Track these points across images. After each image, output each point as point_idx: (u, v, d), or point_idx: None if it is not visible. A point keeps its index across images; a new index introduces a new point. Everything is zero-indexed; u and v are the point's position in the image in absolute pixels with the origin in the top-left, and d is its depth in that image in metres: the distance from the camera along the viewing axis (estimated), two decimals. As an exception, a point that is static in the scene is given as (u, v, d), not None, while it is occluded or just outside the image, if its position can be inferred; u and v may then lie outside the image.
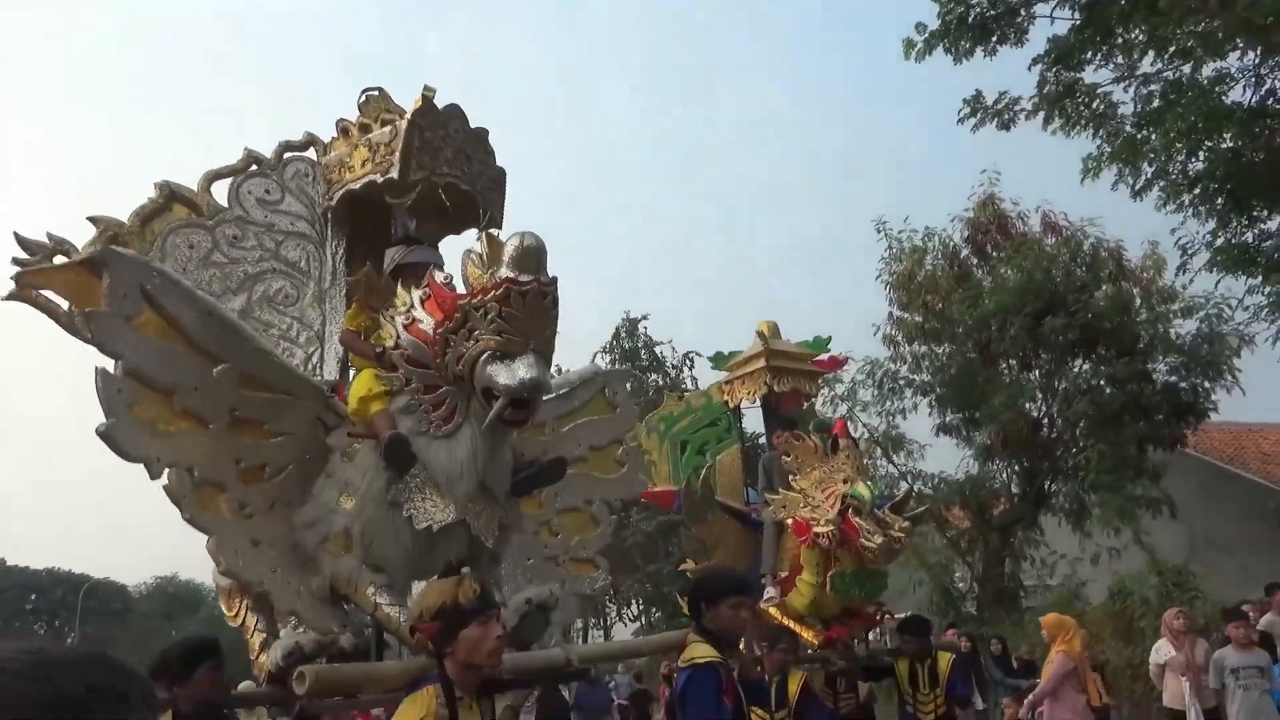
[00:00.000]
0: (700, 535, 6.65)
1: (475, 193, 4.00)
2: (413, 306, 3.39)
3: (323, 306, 4.06)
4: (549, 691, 12.61)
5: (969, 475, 15.76)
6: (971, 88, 12.27)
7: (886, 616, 6.64)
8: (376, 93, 4.08)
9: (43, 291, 3.49)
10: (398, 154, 3.76)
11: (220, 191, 4.05)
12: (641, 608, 26.13)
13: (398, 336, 3.43)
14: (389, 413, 3.41)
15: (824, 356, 7.59)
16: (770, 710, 5.70)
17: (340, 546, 3.37)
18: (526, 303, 3.10)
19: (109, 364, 2.94)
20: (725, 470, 7.57)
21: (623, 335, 27.20)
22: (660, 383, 25.49)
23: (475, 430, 3.30)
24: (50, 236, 3.60)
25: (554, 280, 3.22)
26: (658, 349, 27.11)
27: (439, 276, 3.37)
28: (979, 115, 12.49)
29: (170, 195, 3.92)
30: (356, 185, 3.94)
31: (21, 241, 3.49)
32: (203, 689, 3.26)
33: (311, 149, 4.27)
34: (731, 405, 7.68)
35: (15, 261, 3.51)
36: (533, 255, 3.12)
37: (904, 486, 15.46)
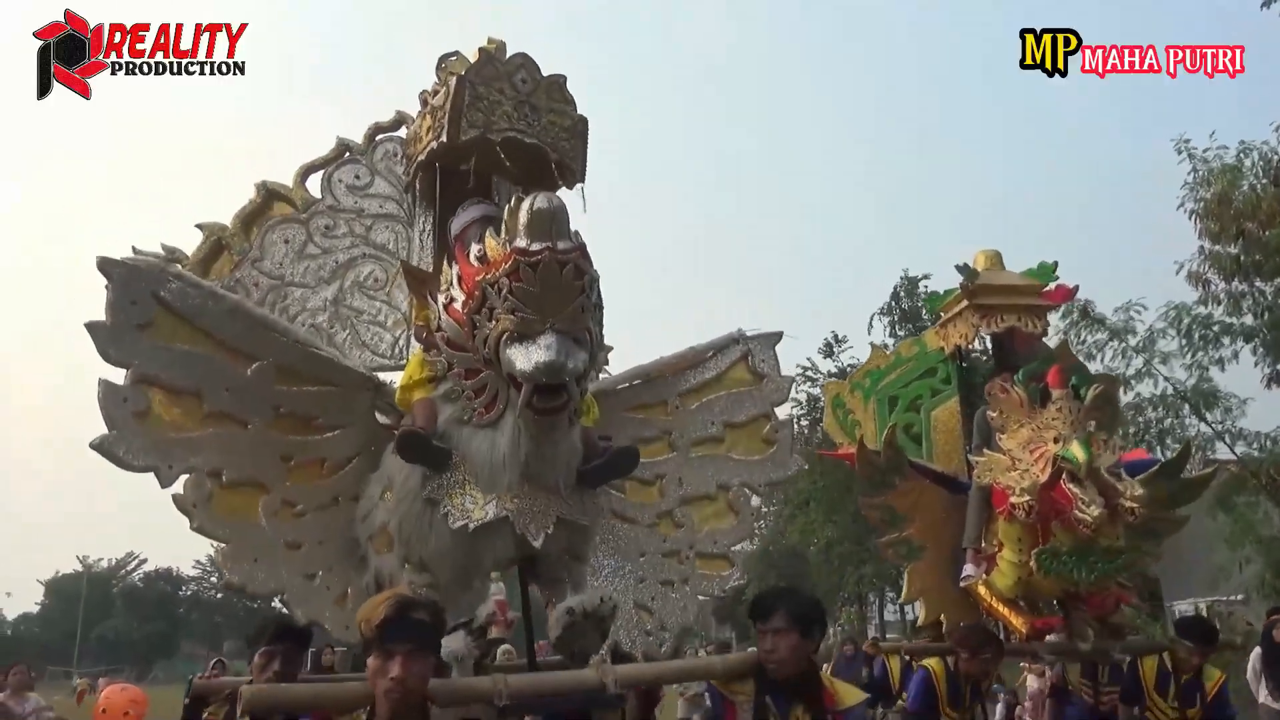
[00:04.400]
0: (890, 503, 5.83)
1: (543, 146, 3.70)
2: (451, 284, 3.11)
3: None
4: None
5: (1312, 434, 13.16)
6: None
7: (1123, 602, 5.52)
8: (454, 57, 3.89)
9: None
10: (446, 114, 3.56)
11: (315, 185, 4.11)
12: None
13: (439, 318, 3.17)
14: (429, 400, 3.20)
15: (1051, 287, 6.41)
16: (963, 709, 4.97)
17: (384, 544, 3.22)
18: (539, 275, 2.73)
19: (117, 375, 2.98)
20: (941, 428, 6.57)
21: (901, 295, 25.75)
22: (945, 345, 23.83)
23: (518, 418, 2.96)
24: (164, 248, 3.80)
25: (576, 248, 2.81)
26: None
27: (474, 249, 3.03)
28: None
29: (268, 194, 4.02)
30: (423, 155, 3.80)
31: (137, 254, 3.58)
32: (256, 674, 3.21)
33: (403, 128, 4.19)
34: (948, 352, 6.74)
35: None
36: (544, 220, 2.75)
37: (1220, 449, 13.35)
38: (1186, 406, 13.65)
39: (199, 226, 3.92)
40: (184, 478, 3.04)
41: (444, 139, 3.60)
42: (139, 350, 3.00)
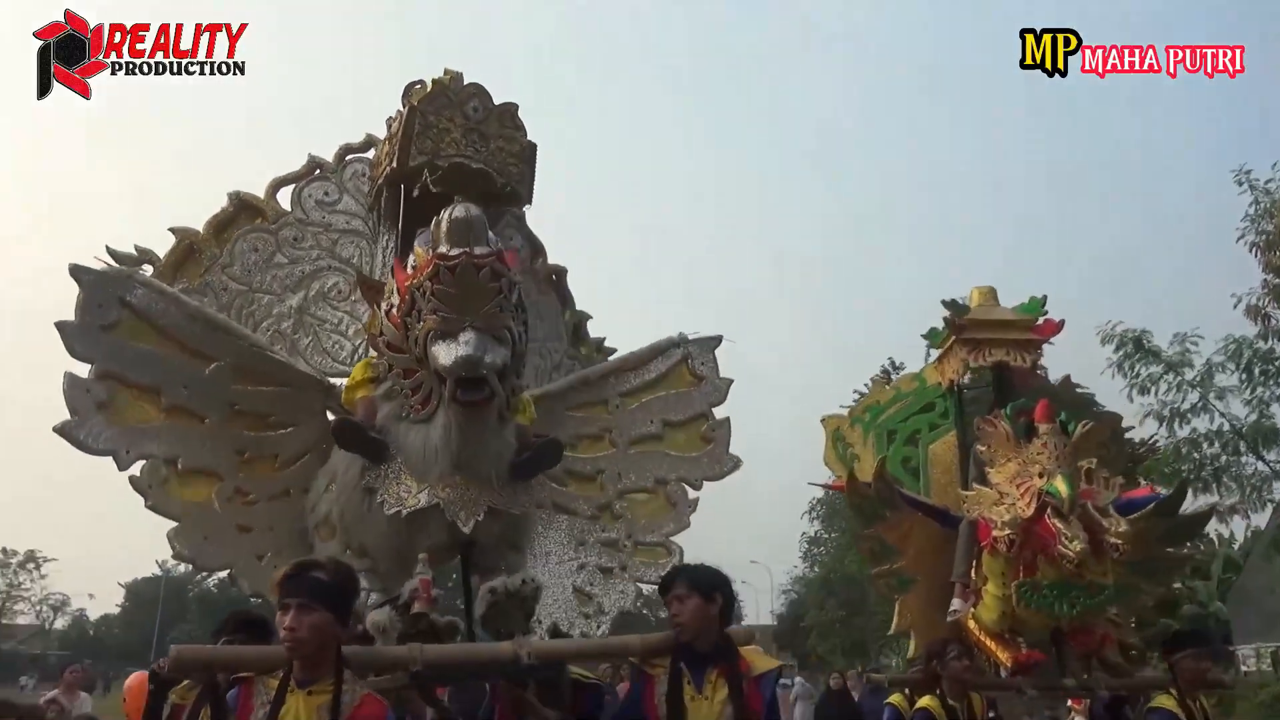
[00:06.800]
0: (881, 535, 5.81)
1: (491, 170, 3.96)
2: (391, 293, 3.41)
3: (371, 301, 4.17)
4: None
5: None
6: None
7: (1107, 641, 5.33)
8: (419, 85, 4.15)
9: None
10: (398, 141, 3.84)
11: (286, 198, 4.35)
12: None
13: (382, 324, 3.45)
14: (370, 399, 3.44)
15: (1040, 321, 6.32)
16: None
17: (327, 532, 3.47)
18: (457, 278, 3.01)
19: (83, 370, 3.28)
20: (938, 462, 6.58)
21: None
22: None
23: (449, 413, 3.19)
24: (137, 248, 4.06)
25: (493, 253, 3.09)
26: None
27: (410, 259, 3.34)
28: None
29: (240, 204, 4.29)
30: (380, 178, 4.08)
31: (112, 253, 3.89)
32: None
33: (372, 150, 4.43)
34: (944, 387, 6.68)
35: None
36: (461, 227, 3.03)
37: (1278, 489, 12.77)
38: (1244, 444, 13.15)
39: (172, 230, 4.17)
40: (141, 463, 3.32)
41: (395, 164, 3.88)
42: (103, 348, 3.31)
